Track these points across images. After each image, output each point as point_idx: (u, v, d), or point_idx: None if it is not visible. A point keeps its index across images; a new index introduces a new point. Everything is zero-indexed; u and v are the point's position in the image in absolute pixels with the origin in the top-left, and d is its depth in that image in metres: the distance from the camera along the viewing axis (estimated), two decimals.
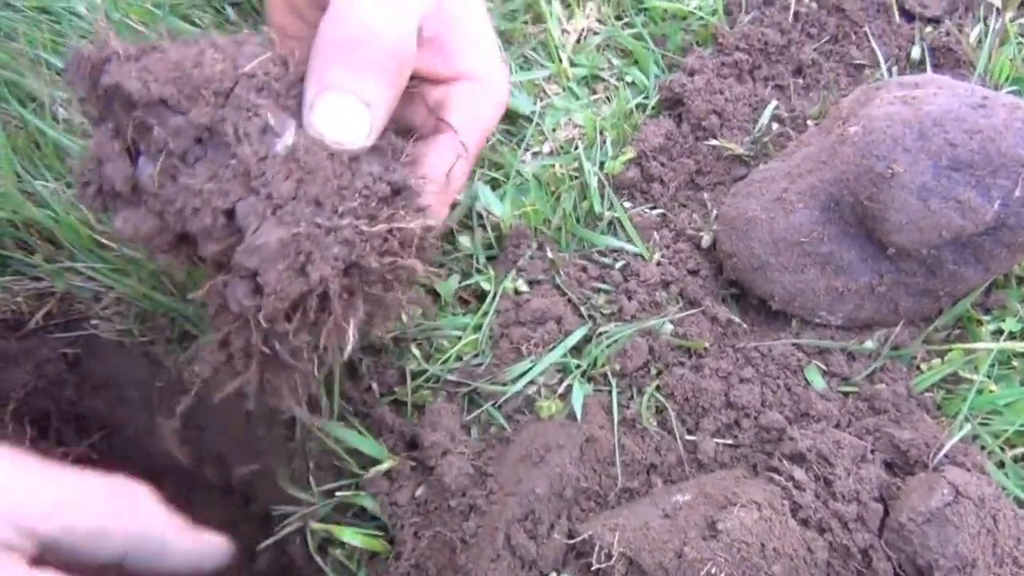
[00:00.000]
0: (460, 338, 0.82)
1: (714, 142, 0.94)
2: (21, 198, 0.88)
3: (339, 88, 0.54)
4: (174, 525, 0.58)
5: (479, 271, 0.87)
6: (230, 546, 0.63)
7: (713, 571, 0.62)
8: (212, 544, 0.62)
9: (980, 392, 0.76)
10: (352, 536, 0.74)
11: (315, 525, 0.76)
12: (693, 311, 0.83)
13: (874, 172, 0.72)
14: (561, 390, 0.79)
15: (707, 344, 0.81)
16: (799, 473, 0.70)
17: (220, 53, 0.55)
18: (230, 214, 0.53)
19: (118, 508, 0.55)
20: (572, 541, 0.69)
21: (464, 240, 0.89)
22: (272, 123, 0.54)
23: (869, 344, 0.80)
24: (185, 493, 1.06)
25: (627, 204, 0.92)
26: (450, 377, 0.80)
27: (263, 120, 0.53)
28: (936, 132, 0.71)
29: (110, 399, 1.01)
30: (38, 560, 0.50)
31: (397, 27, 0.56)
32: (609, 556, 0.66)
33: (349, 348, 0.59)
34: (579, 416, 0.77)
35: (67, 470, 0.54)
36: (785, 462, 0.72)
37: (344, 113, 0.54)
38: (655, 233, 0.89)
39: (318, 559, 0.77)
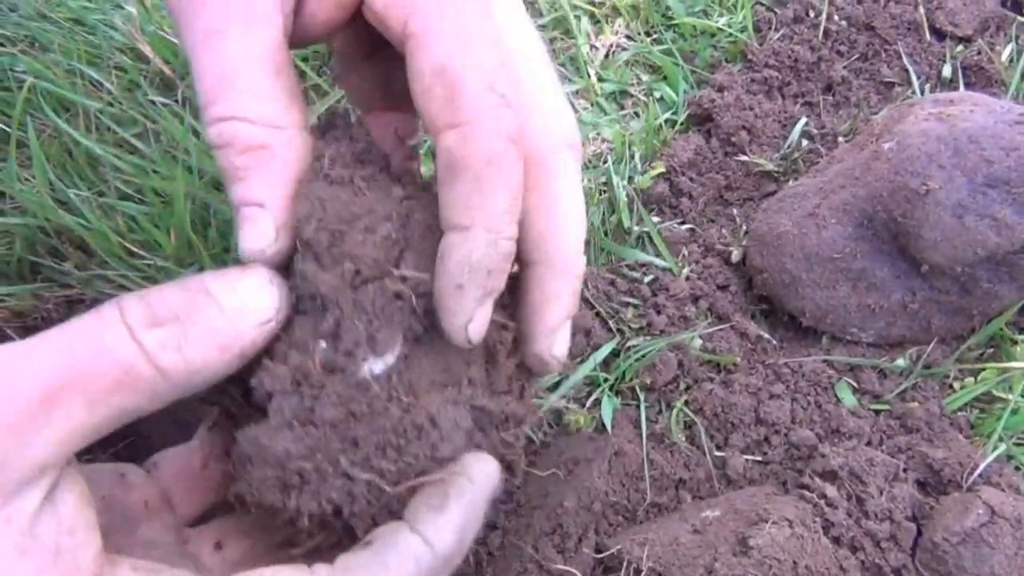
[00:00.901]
0: None
1: (743, 158, 0.94)
2: (53, 206, 0.89)
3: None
4: None
5: None
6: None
7: None
8: None
9: (1015, 412, 0.75)
10: None
11: None
12: (723, 326, 0.82)
13: (908, 188, 0.72)
14: (589, 403, 0.79)
15: (737, 359, 0.80)
16: (831, 490, 0.69)
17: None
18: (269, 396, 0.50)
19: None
20: (600, 555, 0.69)
21: None
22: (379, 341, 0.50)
23: (901, 362, 0.80)
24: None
25: (656, 219, 0.92)
26: None
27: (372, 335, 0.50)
28: (972, 149, 0.71)
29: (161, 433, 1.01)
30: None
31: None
32: (638, 571, 0.65)
33: None
34: (609, 429, 0.76)
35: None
36: (816, 479, 0.71)
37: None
38: (684, 248, 0.89)
39: None
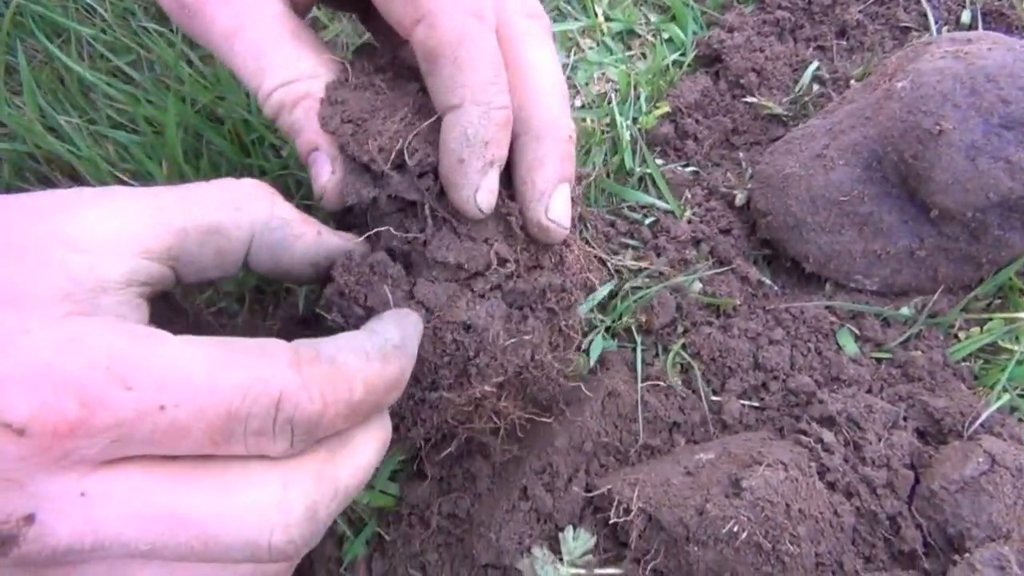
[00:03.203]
0: None
1: (752, 100, 0.91)
2: (43, 132, 0.87)
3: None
4: (298, 214, 0.55)
5: None
6: (360, 245, 0.58)
7: (735, 529, 0.60)
8: (336, 239, 0.57)
9: (1020, 363, 0.73)
10: (361, 495, 0.72)
11: None
12: (723, 269, 0.80)
13: (921, 128, 0.70)
14: (585, 345, 0.77)
15: (736, 302, 0.78)
16: (828, 436, 0.68)
17: None
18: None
19: (238, 199, 0.52)
20: (590, 495, 0.67)
21: None
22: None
23: (905, 311, 0.78)
24: None
25: (659, 161, 0.90)
26: None
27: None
28: (989, 88, 0.68)
29: None
30: (159, 295, 0.49)
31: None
32: (628, 511, 0.64)
33: None
34: (590, 367, 0.75)
35: (182, 185, 0.51)
36: (814, 424, 0.69)
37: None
38: (687, 191, 0.87)
39: None
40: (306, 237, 0.54)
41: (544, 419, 0.63)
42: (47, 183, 0.88)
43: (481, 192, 0.54)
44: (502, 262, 0.56)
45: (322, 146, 0.57)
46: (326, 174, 0.57)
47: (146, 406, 0.39)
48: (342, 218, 0.61)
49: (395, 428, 0.55)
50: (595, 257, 0.82)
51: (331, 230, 0.57)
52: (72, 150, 0.87)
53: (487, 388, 0.56)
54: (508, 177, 0.58)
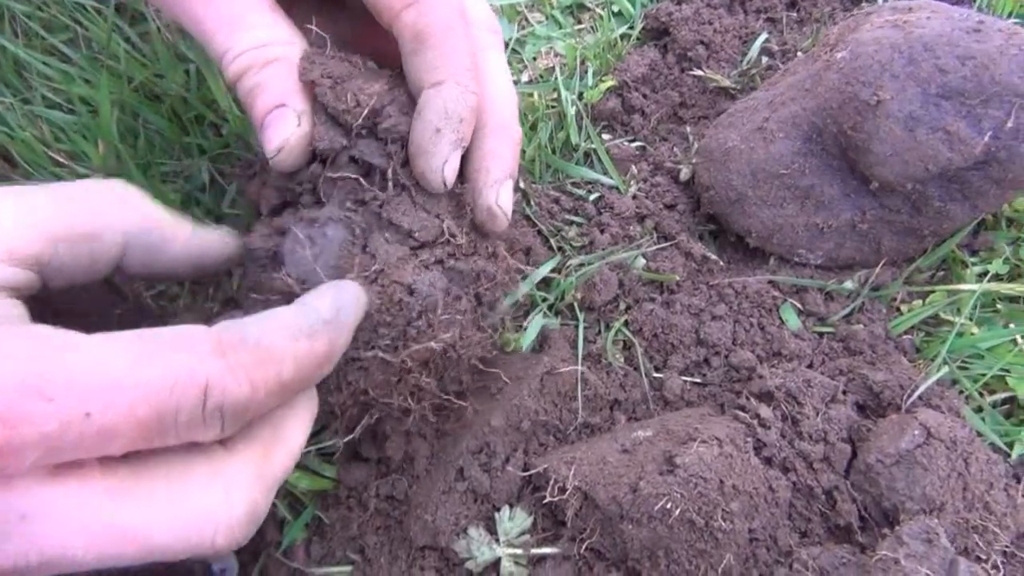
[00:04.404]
0: None
1: (699, 73, 0.90)
2: None
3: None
4: (170, 215, 0.56)
5: None
6: (235, 239, 0.60)
7: (668, 506, 0.60)
8: (213, 234, 0.59)
9: (961, 335, 0.72)
10: (297, 478, 0.71)
11: None
12: (667, 245, 0.79)
13: (859, 100, 0.69)
14: (527, 323, 0.76)
15: (679, 278, 0.77)
16: (765, 411, 0.67)
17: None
18: None
19: (109, 203, 0.52)
20: (527, 474, 0.67)
21: None
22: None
23: (848, 284, 0.77)
24: None
25: (606, 136, 0.88)
26: None
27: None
28: (926, 57, 0.67)
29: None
30: (37, 299, 0.49)
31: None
32: (563, 490, 0.63)
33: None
34: (527, 346, 0.74)
35: (49, 186, 0.51)
36: (752, 400, 0.69)
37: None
38: (633, 166, 0.86)
39: None
40: (179, 238, 0.55)
41: (459, 403, 0.63)
42: None
43: (449, 165, 0.57)
44: (451, 237, 0.59)
45: (290, 102, 0.57)
46: (291, 126, 0.57)
47: (71, 415, 0.38)
48: (283, 187, 0.62)
49: (316, 389, 0.56)
50: (537, 233, 0.81)
51: (206, 227, 0.58)
52: (5, 131, 0.84)
53: (424, 348, 0.57)
54: (461, 167, 0.62)
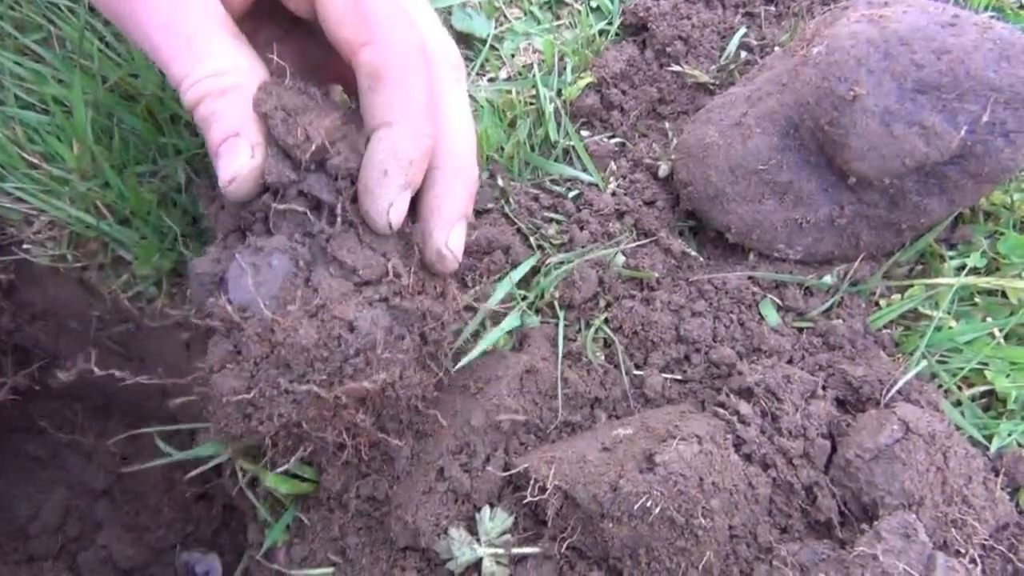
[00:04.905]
0: None
1: (678, 68, 0.89)
2: None
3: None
4: None
5: None
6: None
7: (648, 504, 0.59)
8: None
9: (939, 329, 0.73)
10: (277, 481, 0.71)
11: (244, 464, 0.73)
12: (646, 242, 0.79)
13: (835, 95, 0.69)
14: (504, 321, 0.76)
15: (658, 275, 0.77)
16: (745, 407, 0.67)
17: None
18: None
19: None
20: (507, 474, 0.67)
21: None
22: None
23: (828, 279, 0.77)
24: (132, 423, 1.04)
25: (585, 132, 0.88)
26: None
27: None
28: (902, 52, 0.67)
29: (49, 329, 0.98)
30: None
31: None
32: (544, 489, 0.63)
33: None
34: (507, 345, 0.74)
35: None
36: (732, 396, 0.69)
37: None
38: (612, 162, 0.86)
39: (248, 494, 0.74)
40: None
41: (396, 443, 0.64)
42: None
43: (395, 207, 0.58)
44: (396, 276, 0.59)
45: (244, 132, 0.58)
46: (244, 157, 0.58)
47: None
48: (237, 214, 0.62)
49: (246, 417, 0.57)
50: (517, 231, 0.81)
51: None
52: None
53: (359, 387, 0.57)
54: (413, 205, 0.63)
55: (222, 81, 0.58)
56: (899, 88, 0.67)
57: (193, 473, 0.74)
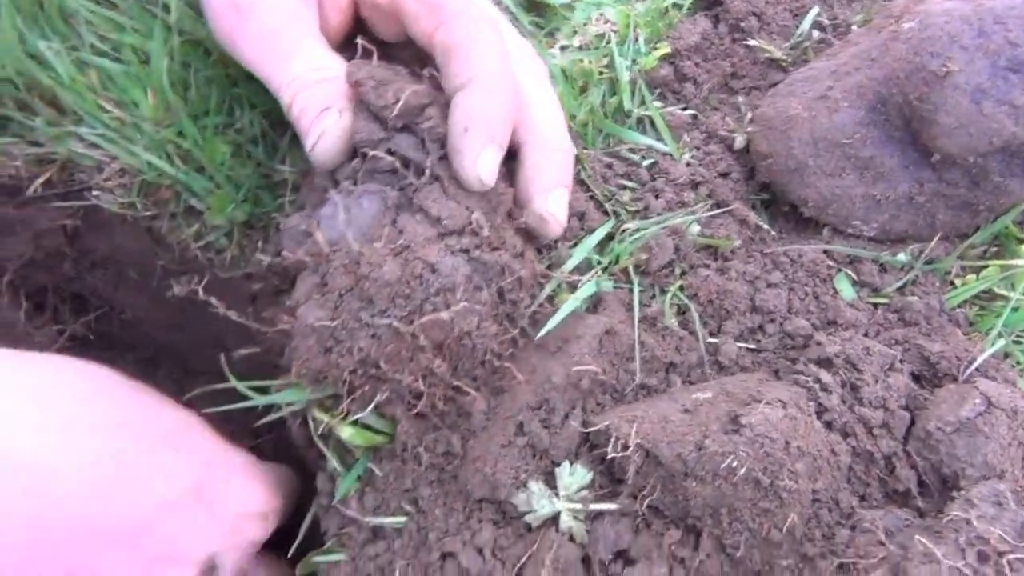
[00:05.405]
0: None
1: (751, 43, 0.90)
2: (23, 57, 0.83)
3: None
4: None
5: None
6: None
7: (734, 464, 0.60)
8: None
9: (1016, 310, 0.73)
10: (350, 434, 0.71)
11: (317, 413, 0.73)
12: (721, 211, 0.80)
13: (927, 70, 0.69)
14: (581, 287, 0.76)
15: (736, 243, 0.78)
16: (826, 376, 0.67)
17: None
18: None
19: None
20: (587, 430, 0.67)
21: None
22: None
23: (902, 256, 0.77)
24: (179, 378, 1.04)
25: (657, 103, 0.88)
26: None
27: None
28: (996, 30, 0.68)
29: (109, 277, 0.98)
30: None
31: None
32: (626, 447, 0.64)
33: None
34: (583, 307, 0.74)
35: None
36: (811, 365, 0.69)
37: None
38: (686, 134, 0.86)
39: (320, 444, 0.74)
40: None
41: (471, 393, 0.65)
42: (27, 110, 0.85)
43: (482, 163, 0.59)
44: (478, 228, 0.61)
45: (336, 104, 0.62)
46: (332, 118, 0.61)
47: None
48: (324, 187, 0.65)
49: (327, 351, 0.59)
50: (591, 198, 0.81)
51: None
52: (54, 76, 0.84)
53: (437, 319, 0.58)
54: (510, 175, 0.67)
55: (317, 74, 0.63)
56: (992, 66, 0.67)
57: (267, 419, 0.74)
